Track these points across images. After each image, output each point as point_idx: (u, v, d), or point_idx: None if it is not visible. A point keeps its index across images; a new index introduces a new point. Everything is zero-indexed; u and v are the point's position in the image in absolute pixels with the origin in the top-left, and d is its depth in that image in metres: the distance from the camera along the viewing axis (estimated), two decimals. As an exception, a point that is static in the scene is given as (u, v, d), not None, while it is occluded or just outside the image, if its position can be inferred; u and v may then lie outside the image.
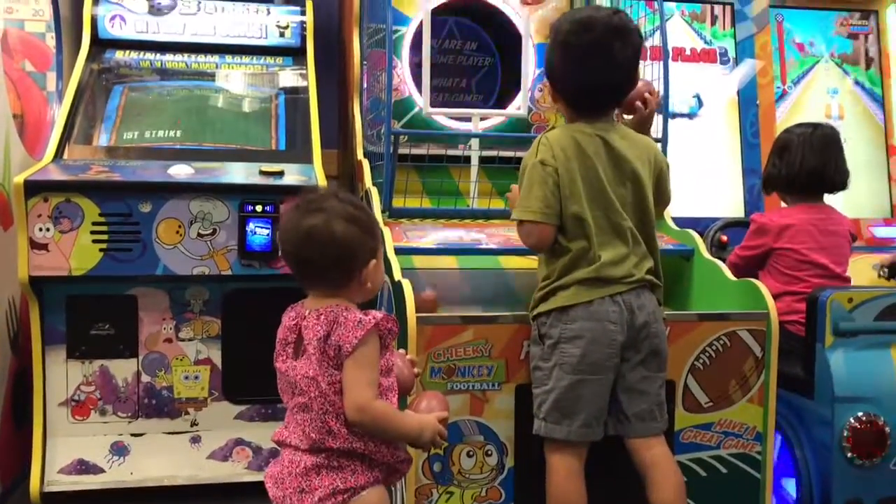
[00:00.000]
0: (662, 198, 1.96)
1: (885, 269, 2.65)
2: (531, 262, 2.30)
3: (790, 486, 2.22)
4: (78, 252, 2.34)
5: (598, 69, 1.82)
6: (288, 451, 1.53)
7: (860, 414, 2.08)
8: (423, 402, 1.60)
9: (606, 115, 1.91)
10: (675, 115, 3.09)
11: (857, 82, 3.40)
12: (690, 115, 3.19)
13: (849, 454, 2.08)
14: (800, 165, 2.46)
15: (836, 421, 2.09)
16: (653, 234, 1.91)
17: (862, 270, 2.80)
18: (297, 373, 1.49)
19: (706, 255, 2.35)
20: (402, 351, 1.69)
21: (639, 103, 2.03)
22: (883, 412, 2.09)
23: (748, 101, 3.25)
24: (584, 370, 1.79)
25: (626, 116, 2.06)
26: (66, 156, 2.59)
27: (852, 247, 2.54)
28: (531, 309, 1.89)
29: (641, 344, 1.83)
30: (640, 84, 2.00)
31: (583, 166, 1.83)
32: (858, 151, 3.33)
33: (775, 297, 2.35)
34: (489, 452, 1.96)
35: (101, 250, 2.36)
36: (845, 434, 2.08)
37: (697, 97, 3.20)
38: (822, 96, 3.37)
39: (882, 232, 3.28)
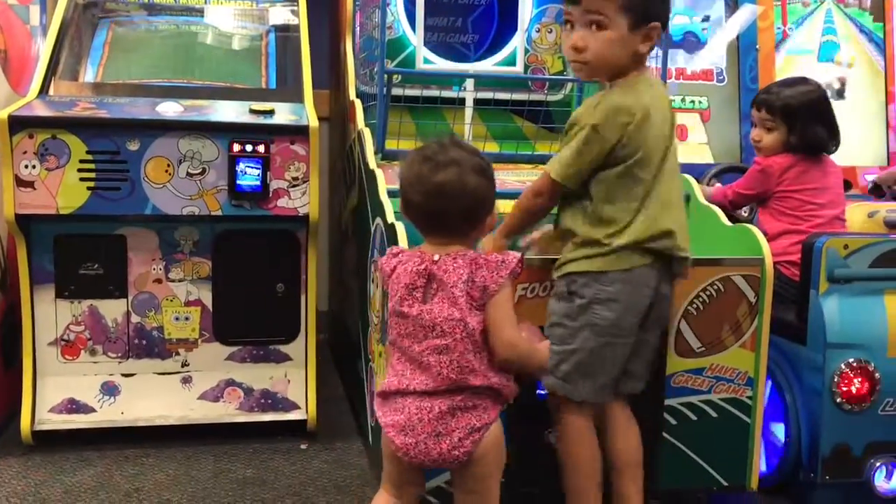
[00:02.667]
0: None
1: (871, 185, 2.67)
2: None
3: (779, 431, 2.24)
4: (65, 190, 2.30)
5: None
6: (411, 398, 1.55)
7: (851, 360, 2.09)
8: (525, 332, 1.65)
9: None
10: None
11: (859, 27, 3.34)
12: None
13: (838, 400, 2.10)
14: (807, 135, 2.45)
15: (826, 367, 2.10)
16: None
17: (857, 217, 2.79)
18: (436, 315, 1.53)
19: (702, 200, 2.33)
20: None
21: None
22: (873, 358, 2.10)
23: (748, 46, 3.20)
24: (614, 333, 1.76)
25: None
26: (51, 91, 2.53)
27: (849, 194, 2.55)
28: (559, 265, 1.81)
29: (657, 308, 1.80)
30: None
31: (650, 128, 1.72)
32: (858, 97, 3.30)
33: (774, 236, 2.37)
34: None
35: (88, 188, 2.32)
36: (835, 380, 2.09)
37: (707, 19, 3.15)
38: (824, 41, 3.32)
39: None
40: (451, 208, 1.56)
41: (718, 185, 2.66)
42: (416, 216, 1.61)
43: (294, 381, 2.55)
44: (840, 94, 3.29)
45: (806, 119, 2.46)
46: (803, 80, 2.57)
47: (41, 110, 2.36)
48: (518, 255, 1.58)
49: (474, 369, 1.53)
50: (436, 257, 1.56)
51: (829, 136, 2.48)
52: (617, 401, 1.86)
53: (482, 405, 1.55)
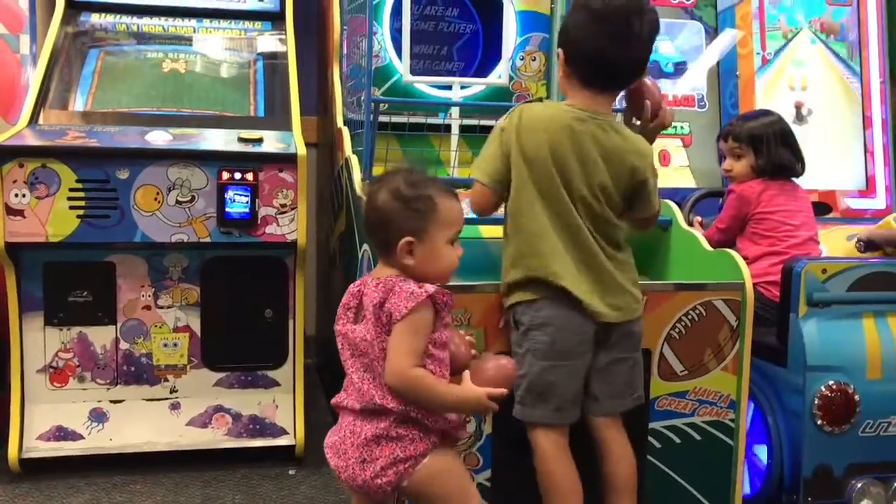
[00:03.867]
0: (642, 207, 1.89)
1: (862, 243, 2.70)
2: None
3: (762, 453, 2.26)
4: (55, 218, 2.32)
5: (621, 38, 1.77)
6: (347, 418, 1.59)
7: (831, 382, 2.13)
8: (489, 364, 1.62)
9: (609, 98, 1.86)
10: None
11: (835, 53, 3.41)
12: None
13: (819, 422, 2.13)
14: (774, 158, 2.55)
15: (807, 389, 2.13)
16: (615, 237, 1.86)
17: (836, 241, 2.83)
18: (357, 335, 1.56)
19: (683, 225, 2.37)
20: (462, 331, 1.72)
21: (648, 105, 1.93)
22: (853, 381, 2.13)
23: (728, 72, 3.26)
24: (553, 356, 1.80)
25: (634, 121, 1.99)
26: (41, 120, 2.56)
27: (828, 218, 2.61)
28: (503, 294, 1.89)
29: (613, 327, 1.83)
30: (658, 93, 1.95)
31: (557, 149, 1.79)
32: (835, 122, 3.36)
33: (754, 259, 2.42)
34: (467, 420, 1.98)
35: (78, 217, 2.34)
36: (816, 402, 2.13)
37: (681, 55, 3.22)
38: (800, 68, 3.38)
39: (857, 203, 3.32)
40: (365, 220, 1.63)
41: (698, 217, 2.71)
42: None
43: (282, 406, 2.56)
44: (799, 118, 3.34)
45: (771, 143, 2.56)
46: (764, 112, 2.71)
47: (31, 139, 2.38)
48: (432, 288, 1.54)
49: (388, 393, 1.54)
50: (369, 279, 1.60)
51: (794, 158, 2.57)
52: (603, 423, 1.88)
53: (408, 436, 1.54)
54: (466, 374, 1.60)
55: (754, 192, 2.52)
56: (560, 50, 1.87)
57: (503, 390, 1.59)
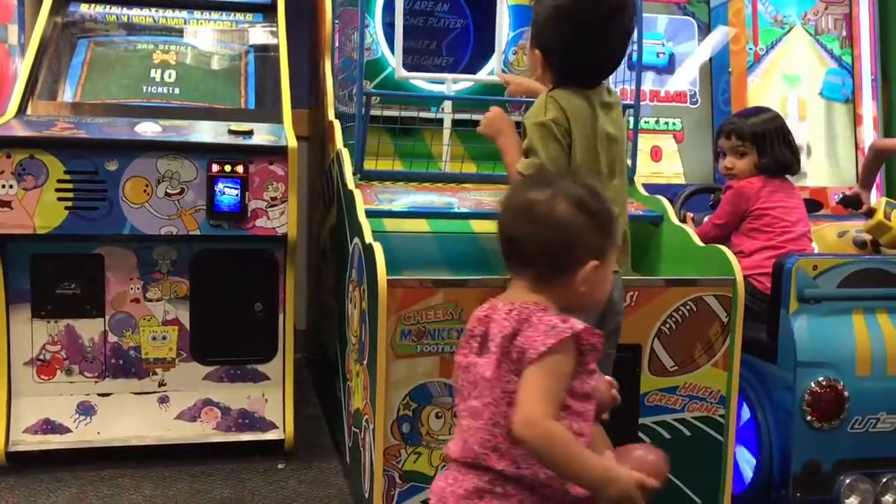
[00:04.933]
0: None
1: (843, 196, 2.75)
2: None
3: (751, 448, 2.27)
4: (42, 210, 2.30)
5: (602, 43, 1.79)
6: (453, 466, 1.33)
7: (821, 379, 2.13)
8: (637, 452, 1.35)
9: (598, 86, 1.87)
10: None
11: (827, 50, 3.42)
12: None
13: (808, 418, 2.13)
14: (777, 156, 2.54)
15: (797, 385, 2.14)
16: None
17: (827, 238, 2.84)
18: (478, 371, 1.28)
19: (675, 220, 2.37)
20: (608, 378, 1.44)
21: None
22: (842, 377, 2.14)
23: (720, 69, 3.26)
24: None
25: None
26: (29, 111, 2.53)
27: (819, 215, 2.62)
28: None
29: (608, 319, 1.81)
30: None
31: (583, 128, 1.80)
32: (827, 120, 3.37)
33: (750, 252, 2.43)
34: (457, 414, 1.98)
35: (66, 208, 2.32)
36: (806, 398, 2.13)
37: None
38: (794, 65, 3.39)
39: (848, 200, 3.32)
40: (530, 236, 1.31)
41: (690, 213, 2.71)
42: (501, 242, 1.36)
43: (271, 400, 2.55)
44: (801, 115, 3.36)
45: (774, 140, 2.55)
46: (763, 109, 2.70)
47: (19, 130, 2.36)
48: (580, 325, 1.26)
49: (497, 448, 1.25)
50: (500, 304, 1.31)
51: (793, 156, 2.57)
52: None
53: (517, 497, 1.26)
54: (610, 454, 1.32)
55: (754, 189, 2.52)
56: (537, 52, 1.85)
57: (657, 483, 1.28)
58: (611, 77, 1.98)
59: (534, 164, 1.77)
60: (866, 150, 3.32)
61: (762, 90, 3.31)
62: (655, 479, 1.27)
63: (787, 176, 2.59)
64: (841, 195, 2.85)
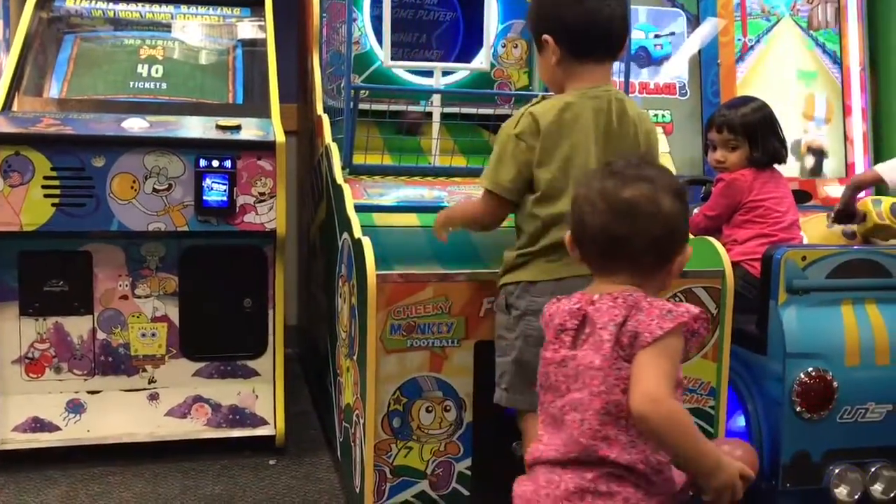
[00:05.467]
0: None
1: (835, 214, 2.75)
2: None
3: (741, 439, 2.27)
4: (29, 207, 2.29)
5: (602, 8, 1.77)
6: (543, 468, 1.29)
7: (810, 369, 2.14)
8: (727, 446, 1.35)
9: (606, 70, 1.83)
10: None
11: (816, 41, 3.42)
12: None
13: (798, 409, 2.13)
14: (768, 148, 2.54)
15: (787, 376, 2.14)
16: None
17: (816, 229, 2.85)
18: (579, 363, 1.27)
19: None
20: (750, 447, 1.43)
21: None
22: (832, 368, 2.14)
23: (710, 60, 3.26)
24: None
25: None
26: (15, 107, 2.51)
27: (808, 205, 2.62)
28: (500, 276, 1.86)
29: None
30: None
31: (568, 136, 1.76)
32: (816, 110, 3.38)
33: (744, 240, 2.44)
34: (448, 408, 1.98)
35: (53, 205, 2.30)
36: (795, 389, 2.13)
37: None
38: (784, 55, 3.39)
39: (837, 191, 3.32)
40: (636, 235, 1.29)
41: None
42: (591, 244, 1.34)
43: (262, 396, 2.54)
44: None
45: (765, 133, 2.54)
46: (750, 99, 2.67)
47: (4, 126, 2.34)
48: (695, 310, 1.27)
49: (608, 437, 1.23)
50: (595, 296, 1.30)
51: (781, 145, 2.57)
52: None
53: (621, 495, 1.23)
54: None
55: (747, 182, 2.51)
56: (547, 37, 1.80)
57: (752, 475, 1.29)
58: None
59: (490, 180, 1.81)
60: (854, 141, 3.34)
61: (751, 81, 3.31)
62: (749, 465, 1.29)
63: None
64: (831, 215, 2.83)
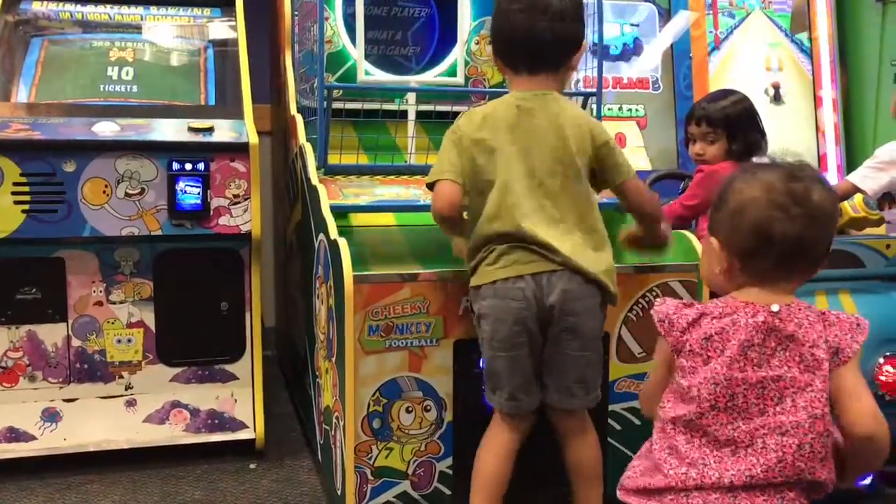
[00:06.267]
0: (613, 172, 1.86)
1: None
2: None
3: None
4: (-2, 214, 2.26)
5: (526, 26, 1.78)
6: (716, 494, 1.21)
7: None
8: None
9: (543, 80, 1.84)
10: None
11: (786, 33, 3.45)
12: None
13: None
14: (748, 141, 2.54)
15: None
16: (585, 213, 1.82)
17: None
18: (787, 383, 1.21)
19: (640, 207, 2.38)
20: None
21: None
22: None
23: (682, 54, 3.27)
24: (496, 347, 1.79)
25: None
26: (-19, 113, 2.47)
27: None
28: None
29: (555, 322, 1.78)
30: None
31: (509, 139, 1.80)
32: (788, 103, 3.40)
33: None
34: (428, 408, 1.98)
35: (23, 212, 2.27)
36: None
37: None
38: (755, 48, 3.41)
39: (810, 182, 3.36)
40: (824, 239, 1.23)
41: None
42: (779, 252, 1.23)
43: (241, 400, 2.52)
44: (777, 98, 3.39)
45: (744, 126, 2.55)
46: (731, 92, 2.67)
47: (-29, 133, 2.30)
48: (867, 321, 1.27)
49: (825, 458, 1.21)
50: (775, 307, 1.23)
51: (761, 137, 2.58)
52: (563, 413, 1.86)
53: None
54: None
55: (725, 173, 2.52)
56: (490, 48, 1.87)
57: None
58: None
59: (432, 173, 1.85)
60: (826, 132, 3.37)
61: (723, 74, 3.33)
62: None
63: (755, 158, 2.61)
64: None
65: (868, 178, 2.69)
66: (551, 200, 1.78)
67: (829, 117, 3.42)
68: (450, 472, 2.00)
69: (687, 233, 2.19)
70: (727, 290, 1.30)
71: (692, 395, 1.24)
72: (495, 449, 1.83)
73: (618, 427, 2.08)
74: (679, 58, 3.26)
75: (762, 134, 2.58)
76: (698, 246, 2.13)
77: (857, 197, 2.69)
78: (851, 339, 1.23)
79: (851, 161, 3.41)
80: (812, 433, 1.20)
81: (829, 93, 3.43)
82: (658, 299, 1.35)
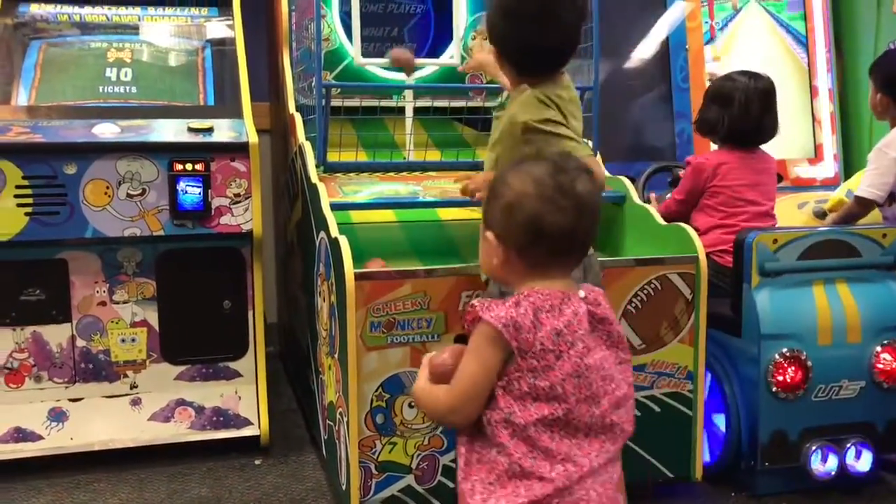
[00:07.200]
0: None
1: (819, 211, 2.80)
2: (469, 213, 2.33)
3: (720, 421, 2.31)
4: (2, 217, 2.27)
5: (549, 32, 1.76)
6: (590, 480, 1.24)
7: (784, 350, 2.18)
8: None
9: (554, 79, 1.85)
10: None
11: (781, 23, 3.46)
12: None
13: (774, 389, 2.18)
14: (742, 119, 2.52)
15: (762, 357, 2.18)
16: None
17: (788, 210, 2.89)
18: (612, 362, 1.29)
19: (637, 200, 2.40)
20: None
21: None
22: (805, 347, 2.19)
23: (678, 46, 3.28)
24: None
25: None
26: (-18, 117, 2.49)
27: (778, 187, 2.65)
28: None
29: None
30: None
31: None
32: (784, 93, 3.41)
33: (706, 231, 2.45)
34: (430, 403, 1.99)
35: (26, 214, 2.29)
36: (770, 369, 2.17)
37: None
38: (750, 38, 3.42)
39: (806, 172, 3.38)
40: (592, 227, 1.30)
41: (653, 193, 2.73)
42: (556, 242, 1.26)
43: (245, 397, 2.54)
44: None
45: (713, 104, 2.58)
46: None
47: (-27, 137, 2.32)
48: None
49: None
50: (582, 293, 1.28)
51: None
52: None
53: None
54: None
55: (710, 164, 2.53)
56: (494, 46, 1.84)
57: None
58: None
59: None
60: (822, 122, 3.39)
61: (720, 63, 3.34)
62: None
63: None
64: (818, 209, 2.89)
65: (874, 186, 2.63)
66: None
67: (826, 107, 3.43)
68: (453, 465, 2.02)
69: (684, 226, 2.20)
70: (509, 281, 1.32)
71: (556, 393, 1.22)
72: None
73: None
74: (675, 50, 3.27)
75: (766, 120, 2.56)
76: (696, 238, 2.15)
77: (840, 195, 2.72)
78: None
79: (847, 150, 3.43)
80: (630, 398, 1.30)
81: (825, 83, 3.44)
82: (475, 301, 1.28)
